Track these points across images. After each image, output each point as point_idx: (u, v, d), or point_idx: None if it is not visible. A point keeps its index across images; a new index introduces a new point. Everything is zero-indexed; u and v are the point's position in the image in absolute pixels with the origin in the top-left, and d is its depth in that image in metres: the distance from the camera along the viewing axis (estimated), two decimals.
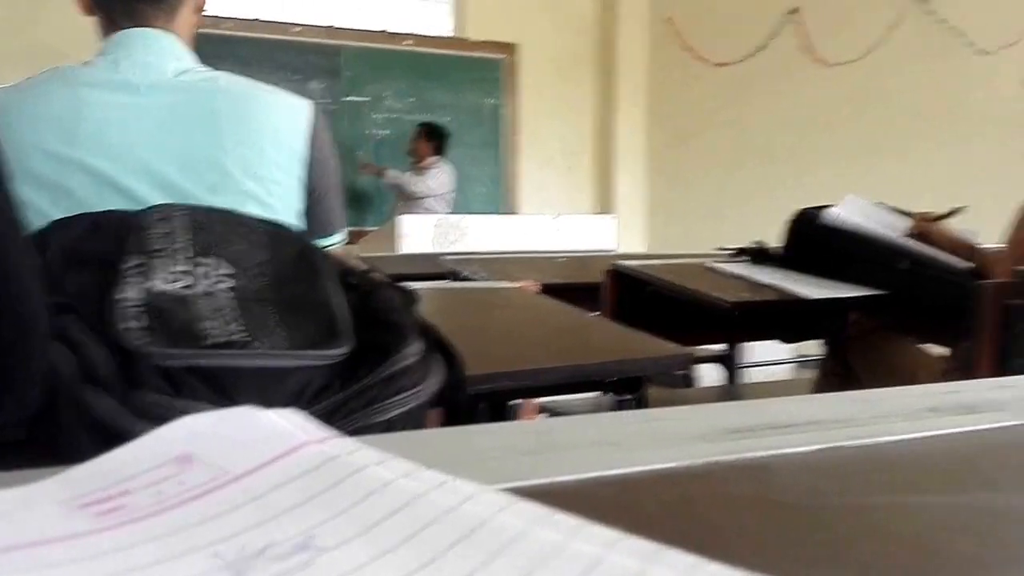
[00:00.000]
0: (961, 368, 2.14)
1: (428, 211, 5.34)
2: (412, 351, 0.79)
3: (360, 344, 0.77)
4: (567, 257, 3.42)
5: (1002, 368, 1.85)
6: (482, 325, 1.24)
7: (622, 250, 5.19)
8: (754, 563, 0.24)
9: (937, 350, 2.57)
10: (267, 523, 0.26)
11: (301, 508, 0.26)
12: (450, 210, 5.52)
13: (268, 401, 0.31)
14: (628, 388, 1.19)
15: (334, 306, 0.80)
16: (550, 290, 2.41)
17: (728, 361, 3.68)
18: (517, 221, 5.10)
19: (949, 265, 2.37)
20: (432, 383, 0.81)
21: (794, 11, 6.16)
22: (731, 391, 3.60)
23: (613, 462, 0.34)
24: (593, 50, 6.88)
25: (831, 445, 0.37)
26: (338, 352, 0.75)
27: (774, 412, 0.40)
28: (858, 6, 5.94)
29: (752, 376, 4.83)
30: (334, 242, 1.28)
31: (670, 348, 1.19)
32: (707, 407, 0.40)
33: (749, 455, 0.36)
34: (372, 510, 0.26)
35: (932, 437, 0.39)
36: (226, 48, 5.12)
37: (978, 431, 0.40)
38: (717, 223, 6.00)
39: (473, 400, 1.02)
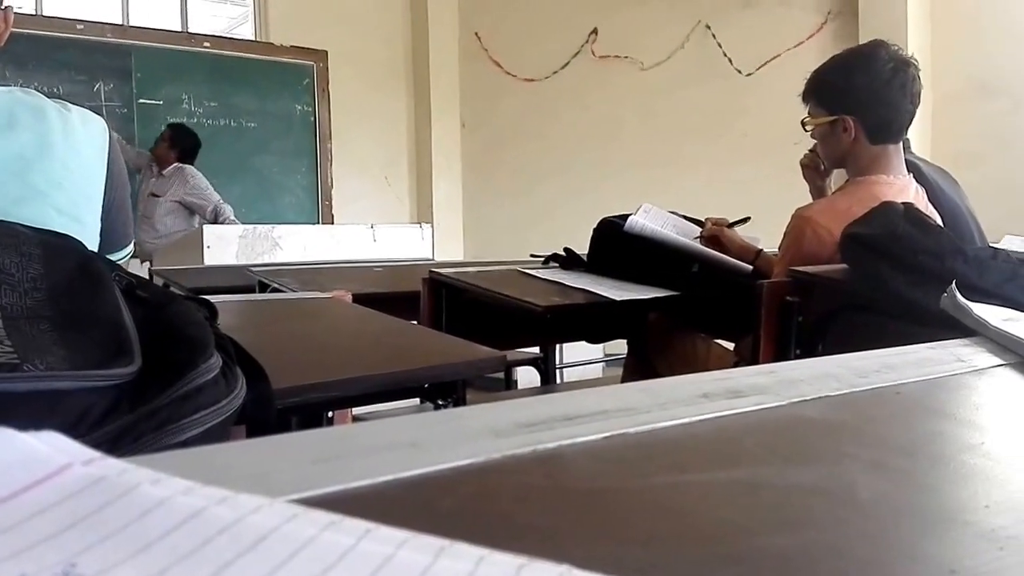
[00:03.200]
0: (747, 360, 2.29)
1: (163, 218, 5.07)
2: (209, 366, 0.75)
3: (151, 361, 0.72)
4: (384, 267, 3.40)
5: (780, 358, 1.99)
6: (291, 337, 1.21)
7: (439, 259, 5.23)
8: (543, 549, 0.25)
9: (727, 344, 2.75)
10: (21, 554, 0.23)
11: (63, 535, 0.24)
12: (207, 221, 5.12)
13: (44, 427, 0.28)
14: (444, 393, 1.20)
15: (120, 322, 0.75)
16: (367, 300, 2.39)
17: (543, 363, 3.79)
18: (332, 231, 5.00)
19: (735, 267, 2.54)
20: (234, 399, 0.77)
21: (593, 31, 6.46)
22: (548, 392, 3.70)
23: (409, 463, 0.35)
24: (405, 61, 6.89)
25: (616, 432, 0.40)
26: (125, 371, 0.70)
27: (564, 405, 0.42)
28: (649, 27, 6.35)
29: (568, 376, 5.00)
30: (125, 255, 1.24)
31: (483, 352, 1.22)
32: (501, 404, 0.42)
33: (540, 447, 0.38)
34: (145, 531, 0.24)
35: (704, 420, 0.42)
36: None
37: (744, 412, 0.44)
38: (530, 231, 6.20)
39: (284, 415, 1.00)
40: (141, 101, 5.72)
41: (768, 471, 0.37)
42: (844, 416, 0.46)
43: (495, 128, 6.85)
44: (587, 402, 0.43)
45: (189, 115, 5.82)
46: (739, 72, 6.14)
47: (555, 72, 6.57)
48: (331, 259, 3.90)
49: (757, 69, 6.04)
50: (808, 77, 2.28)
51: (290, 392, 0.92)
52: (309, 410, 1.07)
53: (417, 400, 1.21)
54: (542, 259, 2.93)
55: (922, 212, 1.89)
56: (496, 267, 2.95)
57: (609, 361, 5.15)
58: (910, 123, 2.25)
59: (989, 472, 0.39)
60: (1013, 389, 0.55)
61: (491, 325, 2.79)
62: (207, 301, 0.91)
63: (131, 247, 1.27)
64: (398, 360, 1.11)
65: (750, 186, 5.69)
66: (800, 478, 0.36)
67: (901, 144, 2.29)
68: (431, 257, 4.84)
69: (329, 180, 6.48)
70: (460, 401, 1.31)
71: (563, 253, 2.85)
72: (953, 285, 0.70)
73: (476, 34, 6.82)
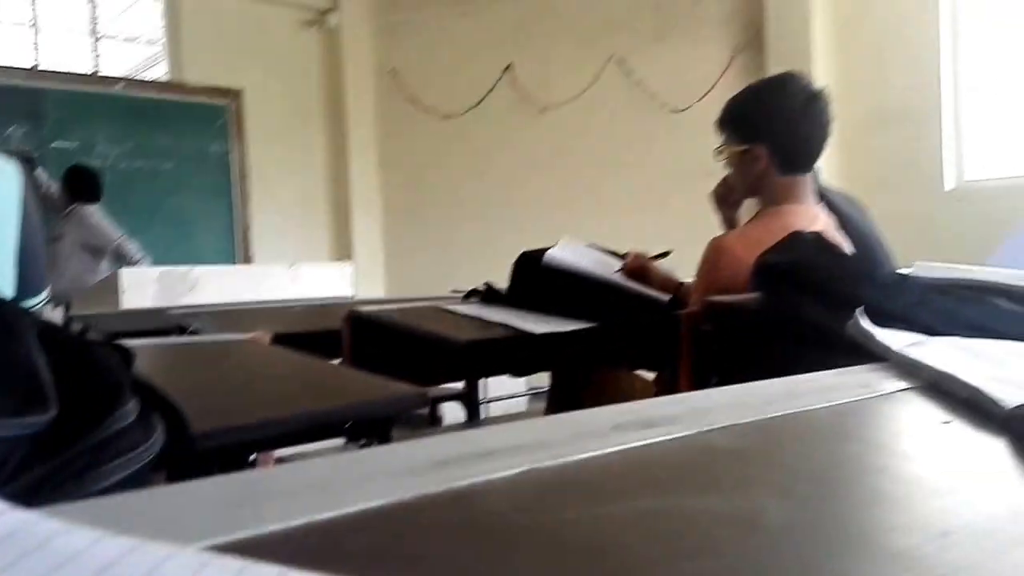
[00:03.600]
0: (668, 390, 2.32)
1: (66, 261, 4.93)
2: (127, 411, 0.74)
3: (68, 408, 0.71)
4: (304, 306, 3.36)
5: (699, 387, 2.02)
6: (210, 380, 1.19)
7: (361, 296, 5.19)
8: None
9: (649, 375, 2.78)
10: None
11: None
12: (111, 261, 5.00)
13: None
14: (368, 432, 1.19)
15: (34, 369, 0.73)
16: (287, 340, 2.36)
17: (468, 398, 3.78)
18: (250, 271, 4.93)
19: (655, 299, 2.58)
20: (153, 444, 0.76)
21: (508, 67, 6.55)
22: (469, 427, 3.69)
23: (322, 505, 0.35)
24: (321, 98, 6.87)
25: (530, 467, 0.40)
26: (40, 419, 0.68)
27: (480, 440, 0.42)
28: (563, 63, 6.48)
29: (493, 410, 5.00)
30: (40, 300, 1.21)
31: (404, 389, 1.21)
32: (417, 441, 0.42)
33: (455, 484, 0.38)
34: None
35: (616, 452, 0.43)
36: None
37: (655, 443, 0.45)
38: (452, 266, 6.21)
39: (206, 458, 0.98)
40: (54, 145, 5.61)
41: (677, 500, 0.37)
42: (753, 443, 0.47)
43: (414, 164, 6.87)
44: (503, 437, 0.43)
45: (103, 157, 5.72)
46: (653, 105, 6.29)
47: (471, 108, 6.63)
48: (251, 299, 3.83)
49: (671, 102, 6.19)
50: (723, 106, 2.32)
51: (210, 435, 0.90)
52: (230, 453, 1.05)
53: (338, 439, 1.20)
54: (463, 294, 2.94)
55: (831, 240, 1.95)
56: (417, 303, 2.94)
57: (535, 394, 5.17)
58: (821, 152, 2.31)
59: (894, 495, 0.41)
60: (915, 413, 0.57)
61: (414, 362, 2.78)
62: (122, 346, 0.89)
63: (47, 292, 1.24)
64: (318, 400, 1.10)
65: (670, 217, 5.80)
66: (709, 506, 0.37)
67: (811, 173, 2.35)
68: (352, 295, 4.80)
69: (247, 219, 6.39)
70: (384, 439, 1.30)
71: (483, 288, 2.86)
72: (859, 312, 0.73)
73: (392, 70, 6.84)
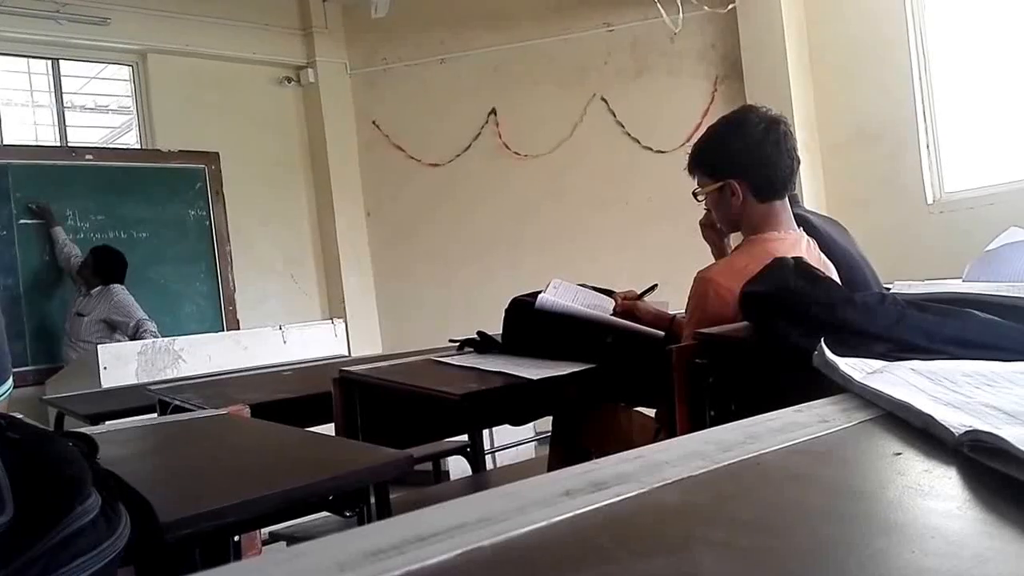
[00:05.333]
0: (666, 425, 2.30)
1: (87, 336, 5.06)
2: (87, 508, 0.71)
3: (25, 509, 0.68)
4: (294, 370, 3.33)
5: (695, 420, 2.01)
6: (185, 461, 1.18)
7: (356, 353, 5.17)
8: None
9: (650, 411, 2.77)
10: None
11: None
12: (128, 337, 5.12)
13: None
14: (352, 503, 1.17)
15: None
16: (275, 408, 2.35)
17: (472, 450, 3.75)
18: (238, 337, 4.88)
19: (649, 335, 2.58)
20: (117, 540, 0.73)
21: (492, 112, 6.60)
22: (476, 481, 3.66)
23: None
24: (302, 154, 6.86)
25: (469, 548, 0.39)
26: None
27: (418, 524, 0.42)
28: (545, 105, 6.54)
29: (500, 459, 4.96)
30: (3, 392, 1.17)
31: (387, 455, 1.20)
32: (348, 533, 0.41)
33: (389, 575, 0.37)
34: None
35: (562, 520, 0.42)
36: None
37: (603, 506, 0.44)
38: (449, 315, 6.22)
39: (184, 545, 0.96)
40: (22, 222, 5.47)
41: (616, 568, 0.37)
42: (701, 497, 0.46)
43: (402, 215, 6.88)
44: (442, 518, 0.42)
45: (75, 231, 5.61)
46: (637, 141, 6.34)
47: (458, 155, 6.67)
48: (240, 366, 3.80)
49: (654, 137, 6.24)
50: (689, 151, 2.37)
51: (184, 522, 0.89)
52: (209, 538, 1.03)
53: (324, 512, 1.18)
54: (457, 345, 2.93)
55: (811, 265, 1.95)
56: (411, 358, 2.93)
57: (541, 439, 5.13)
58: (792, 177, 2.34)
59: (840, 538, 0.40)
60: (870, 446, 0.56)
61: (412, 418, 2.76)
62: (85, 436, 0.87)
63: (10, 383, 1.20)
64: (298, 474, 1.08)
65: (659, 249, 5.83)
66: (651, 569, 0.36)
67: (787, 199, 2.37)
68: (346, 353, 4.78)
69: (231, 284, 6.32)
70: (382, 505, 1.28)
71: (477, 337, 2.85)
72: (822, 343, 0.72)
73: (374, 122, 6.88)
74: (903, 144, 5.77)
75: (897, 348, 1.77)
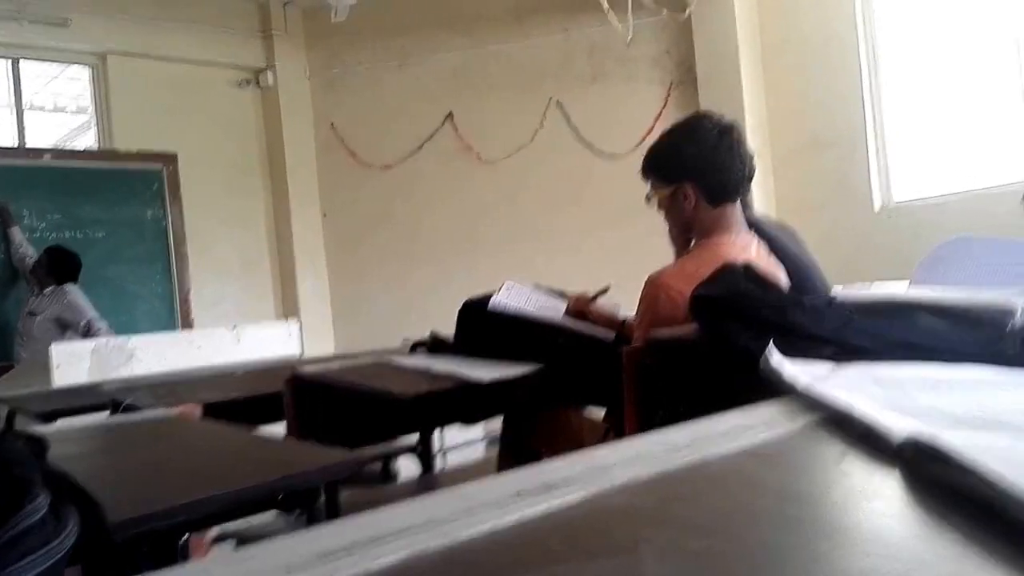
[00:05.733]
0: (616, 427, 2.33)
1: (39, 335, 5.00)
2: (36, 507, 0.71)
3: None
4: (248, 370, 3.30)
5: (645, 422, 2.03)
6: (134, 462, 1.16)
7: (310, 354, 5.13)
8: None
9: (601, 411, 2.79)
10: None
11: None
12: (78, 336, 5.10)
13: None
14: (301, 502, 1.17)
15: None
16: (225, 408, 2.32)
17: (422, 450, 3.75)
18: (191, 337, 4.82)
19: (600, 337, 2.60)
20: (65, 539, 0.73)
21: (449, 115, 6.61)
22: (427, 481, 3.66)
23: None
24: (260, 156, 6.83)
25: (418, 551, 0.40)
26: None
27: (367, 526, 0.42)
28: (502, 109, 6.56)
29: (451, 459, 4.95)
30: None
31: (336, 456, 1.19)
32: (299, 535, 0.41)
33: None
34: None
35: (512, 523, 0.43)
36: None
37: (554, 508, 0.45)
38: (404, 317, 6.21)
39: (131, 545, 0.95)
40: None
41: (564, 570, 0.37)
42: (648, 500, 0.47)
43: (358, 217, 6.85)
44: (391, 520, 0.42)
45: (32, 230, 5.58)
46: (592, 146, 6.38)
47: (411, 157, 6.66)
48: (193, 366, 3.76)
49: (610, 141, 6.28)
50: (644, 155, 2.39)
51: (133, 522, 0.88)
52: (158, 537, 1.02)
53: (273, 511, 1.17)
54: (410, 346, 2.93)
55: (760, 269, 1.98)
56: (363, 358, 2.92)
57: (491, 440, 5.14)
58: (744, 182, 2.37)
59: (785, 541, 0.41)
60: (815, 450, 0.57)
61: (364, 418, 2.75)
62: (35, 436, 0.86)
63: None
64: (246, 475, 1.08)
65: (613, 252, 5.88)
66: (595, 572, 0.37)
67: (739, 204, 2.40)
68: (300, 354, 4.75)
69: (187, 284, 6.27)
70: (332, 505, 1.28)
71: (429, 338, 2.85)
72: (769, 348, 0.73)
73: (332, 125, 6.85)
74: (853, 151, 5.88)
75: (844, 351, 1.80)
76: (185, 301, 6.26)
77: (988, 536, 0.40)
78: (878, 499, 0.47)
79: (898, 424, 0.56)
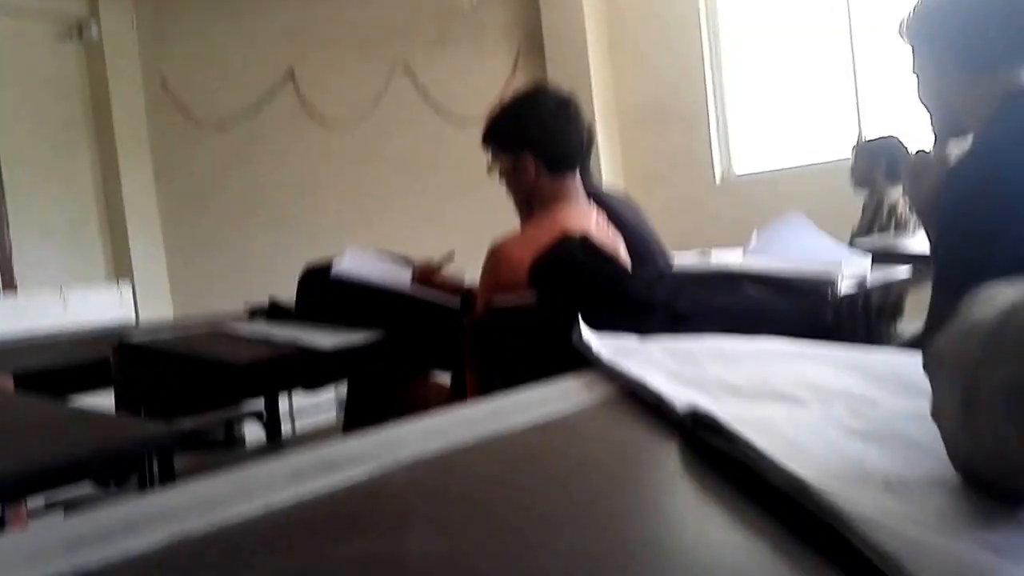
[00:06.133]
0: (459, 394, 2.35)
1: None
2: None
3: None
4: (72, 336, 3.14)
5: (485, 389, 2.06)
6: None
7: (145, 319, 4.93)
8: None
9: (447, 378, 2.80)
10: None
11: None
12: None
13: None
14: (119, 475, 1.12)
15: None
16: (45, 377, 2.21)
17: (267, 416, 3.67)
18: (13, 300, 4.54)
19: (445, 304, 2.60)
20: None
21: (289, 73, 6.40)
22: (271, 446, 3.60)
23: None
24: (86, 113, 6.44)
25: (181, 534, 0.38)
26: None
27: (129, 510, 0.40)
28: (346, 69, 6.40)
29: (301, 425, 4.89)
30: None
31: (155, 429, 1.15)
32: (45, 522, 0.39)
33: (84, 565, 0.35)
34: None
35: (285, 504, 0.42)
36: None
37: (334, 489, 0.44)
38: (245, 282, 6.01)
39: None
40: None
41: (325, 550, 0.37)
42: (433, 476, 0.47)
43: (194, 178, 6.58)
44: (157, 503, 0.41)
45: None
46: (441, 111, 6.33)
47: (249, 117, 6.43)
48: (15, 331, 3.53)
49: (457, 108, 6.25)
50: (484, 125, 2.40)
51: None
52: None
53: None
54: (248, 312, 2.85)
55: (598, 240, 2.03)
56: (199, 325, 2.83)
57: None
58: (583, 153, 2.41)
59: (558, 514, 0.42)
60: (607, 422, 0.59)
61: (199, 386, 2.67)
62: None
63: None
64: (56, 447, 1.02)
65: (463, 219, 5.87)
66: (358, 550, 0.37)
67: (578, 174, 2.44)
68: (133, 320, 4.55)
69: (7, 245, 5.87)
70: (166, 472, 1.23)
71: (268, 305, 2.79)
72: (580, 321, 0.75)
73: (163, 80, 6.52)
74: (695, 124, 6.07)
75: (674, 319, 1.88)
76: (7, 261, 5.86)
77: (755, 502, 0.42)
78: (658, 469, 0.49)
79: (683, 396, 0.58)
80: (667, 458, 0.51)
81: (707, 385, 0.63)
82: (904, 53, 1.76)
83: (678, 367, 0.68)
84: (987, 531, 0.38)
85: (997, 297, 0.42)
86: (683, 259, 2.51)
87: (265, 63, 6.42)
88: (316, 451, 0.49)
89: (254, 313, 2.79)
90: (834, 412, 0.57)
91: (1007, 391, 0.36)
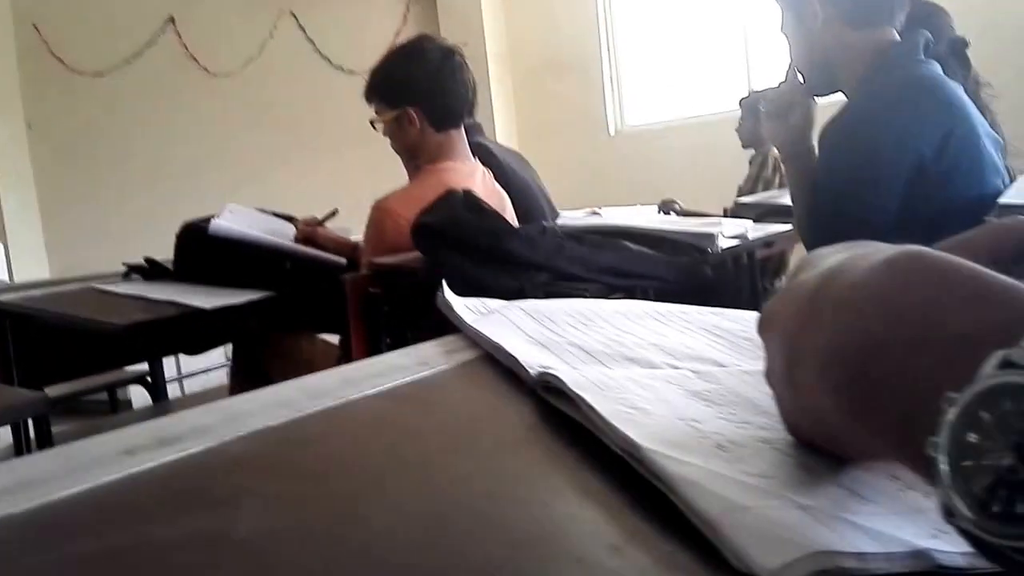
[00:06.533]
0: (348, 354, 2.33)
1: None
2: None
3: None
4: None
5: (372, 349, 2.04)
6: None
7: (20, 279, 4.72)
8: None
9: (335, 338, 2.78)
10: None
11: None
12: None
13: None
14: None
15: None
16: None
17: (152, 379, 3.58)
18: None
19: (330, 261, 2.56)
20: None
21: (170, 20, 6.14)
22: (156, 411, 3.52)
23: None
24: None
25: (1, 519, 0.37)
26: None
27: None
28: (231, 17, 6.17)
29: (190, 387, 4.79)
30: None
31: (25, 396, 1.11)
32: None
33: None
34: None
35: (115, 482, 0.40)
36: None
37: (166, 464, 0.43)
38: (122, 241, 5.78)
39: None
40: None
41: (150, 529, 0.36)
42: (271, 448, 0.46)
43: (70, 130, 6.28)
44: None
45: None
46: (329, 61, 6.18)
47: (128, 65, 6.16)
48: None
49: (346, 59, 6.11)
50: (367, 78, 2.36)
51: None
52: None
53: None
54: (124, 272, 2.76)
55: (480, 198, 2.02)
56: (75, 285, 2.72)
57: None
58: (469, 107, 2.40)
59: (394, 483, 0.41)
60: (460, 388, 0.59)
61: (75, 349, 2.58)
62: None
63: None
64: None
65: (352, 173, 5.77)
66: (185, 527, 0.36)
67: (463, 130, 2.43)
68: (6, 279, 4.35)
69: None
70: (43, 439, 1.17)
71: (145, 264, 2.70)
72: (443, 284, 0.74)
73: (34, 24, 6.17)
74: (589, 77, 6.10)
75: (557, 277, 1.89)
76: None
77: (596, 467, 0.42)
78: (505, 434, 0.49)
79: (538, 360, 0.58)
80: (516, 424, 0.51)
81: (563, 348, 0.63)
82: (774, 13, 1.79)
83: (537, 329, 0.68)
84: (804, 492, 0.39)
85: (826, 259, 0.44)
86: (569, 217, 2.53)
87: (143, 8, 6.13)
88: (153, 424, 0.47)
89: (131, 272, 2.70)
90: (682, 374, 0.58)
91: (820, 357, 0.37)
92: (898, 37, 1.74)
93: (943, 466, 0.29)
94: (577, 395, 0.48)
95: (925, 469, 0.30)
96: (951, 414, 0.29)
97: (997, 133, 1.91)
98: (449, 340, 0.68)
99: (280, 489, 0.39)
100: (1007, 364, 0.28)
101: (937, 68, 1.72)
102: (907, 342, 0.32)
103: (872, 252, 0.38)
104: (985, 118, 1.86)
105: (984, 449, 0.28)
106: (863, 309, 0.35)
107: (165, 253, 2.71)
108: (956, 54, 2.03)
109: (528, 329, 0.69)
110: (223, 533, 0.35)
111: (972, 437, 0.29)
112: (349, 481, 0.41)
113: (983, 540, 0.27)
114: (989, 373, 0.28)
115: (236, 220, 2.59)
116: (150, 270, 2.64)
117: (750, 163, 4.44)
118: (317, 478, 0.41)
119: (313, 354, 2.72)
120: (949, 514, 0.29)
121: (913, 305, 0.33)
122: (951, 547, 0.32)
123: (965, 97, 1.71)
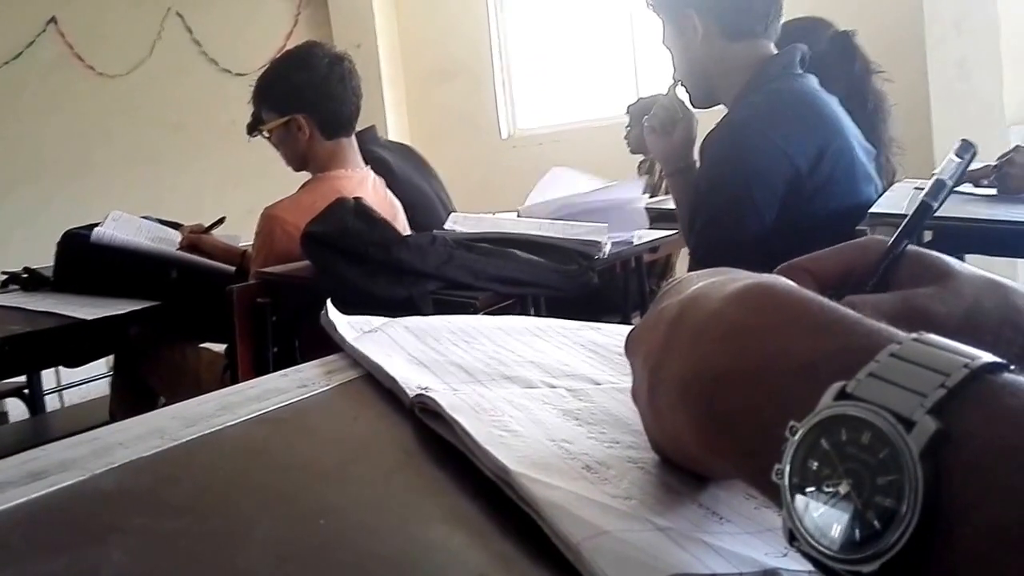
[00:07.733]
0: (235, 365, 2.28)
1: None
2: None
3: None
4: None
5: (258, 359, 2.01)
6: None
7: None
8: None
9: (220, 347, 2.72)
10: None
11: None
12: None
13: None
14: None
15: None
16: None
17: (29, 392, 3.43)
18: None
19: (217, 269, 2.52)
20: None
21: (51, 20, 5.89)
22: (34, 425, 3.39)
23: None
24: None
25: None
26: None
27: None
28: (116, 16, 5.97)
29: (70, 398, 4.59)
30: None
31: None
32: None
33: None
34: None
35: None
36: None
37: (35, 499, 0.42)
38: (4, 245, 5.53)
39: None
40: None
41: (14, 572, 0.35)
42: (142, 481, 0.46)
43: None
44: None
45: None
46: (216, 63, 6.04)
47: (8, 64, 5.89)
48: None
49: (234, 62, 5.98)
50: (254, 86, 2.32)
51: None
52: None
53: None
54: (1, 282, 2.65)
55: (370, 206, 2.01)
56: None
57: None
58: (357, 115, 2.39)
59: (265, 513, 0.41)
60: (337, 412, 0.59)
61: None
62: None
63: None
64: None
65: (241, 178, 5.64)
66: (50, 568, 0.35)
67: (354, 137, 2.41)
68: None
69: None
70: None
71: (24, 274, 2.60)
72: (328, 303, 0.74)
73: None
74: (480, 81, 6.13)
75: (446, 286, 1.90)
76: None
77: (472, 488, 0.43)
78: (378, 459, 0.50)
79: (417, 380, 0.59)
80: (394, 448, 0.51)
81: (443, 367, 0.64)
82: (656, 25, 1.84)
83: (419, 347, 0.69)
84: (664, 513, 0.41)
85: (691, 285, 0.45)
86: (459, 222, 2.54)
87: (23, 6, 5.85)
88: (21, 458, 0.46)
89: (8, 282, 2.59)
90: (557, 393, 0.60)
91: (677, 385, 0.39)
92: (775, 50, 1.80)
93: (786, 493, 0.31)
94: (452, 418, 0.49)
95: (772, 494, 0.32)
96: (793, 442, 0.31)
97: (886, 119, 2.00)
98: (331, 360, 0.68)
99: (150, 525, 0.39)
100: (843, 395, 0.30)
101: (813, 82, 1.79)
102: (751, 373, 0.34)
103: (731, 280, 0.40)
104: (878, 108, 1.94)
105: (824, 476, 0.30)
106: (713, 340, 0.37)
107: (45, 256, 2.61)
108: (840, 48, 2.11)
109: (410, 348, 0.70)
110: (93, 571, 0.35)
111: (813, 464, 0.30)
112: (221, 517, 0.41)
113: (824, 564, 0.29)
114: (827, 403, 0.30)
115: (120, 228, 2.51)
116: (29, 279, 2.53)
117: (639, 168, 4.52)
118: (188, 513, 0.41)
119: (198, 365, 2.66)
120: (792, 538, 0.31)
121: (759, 337, 0.35)
122: (800, 566, 0.34)
123: (839, 110, 1.79)
